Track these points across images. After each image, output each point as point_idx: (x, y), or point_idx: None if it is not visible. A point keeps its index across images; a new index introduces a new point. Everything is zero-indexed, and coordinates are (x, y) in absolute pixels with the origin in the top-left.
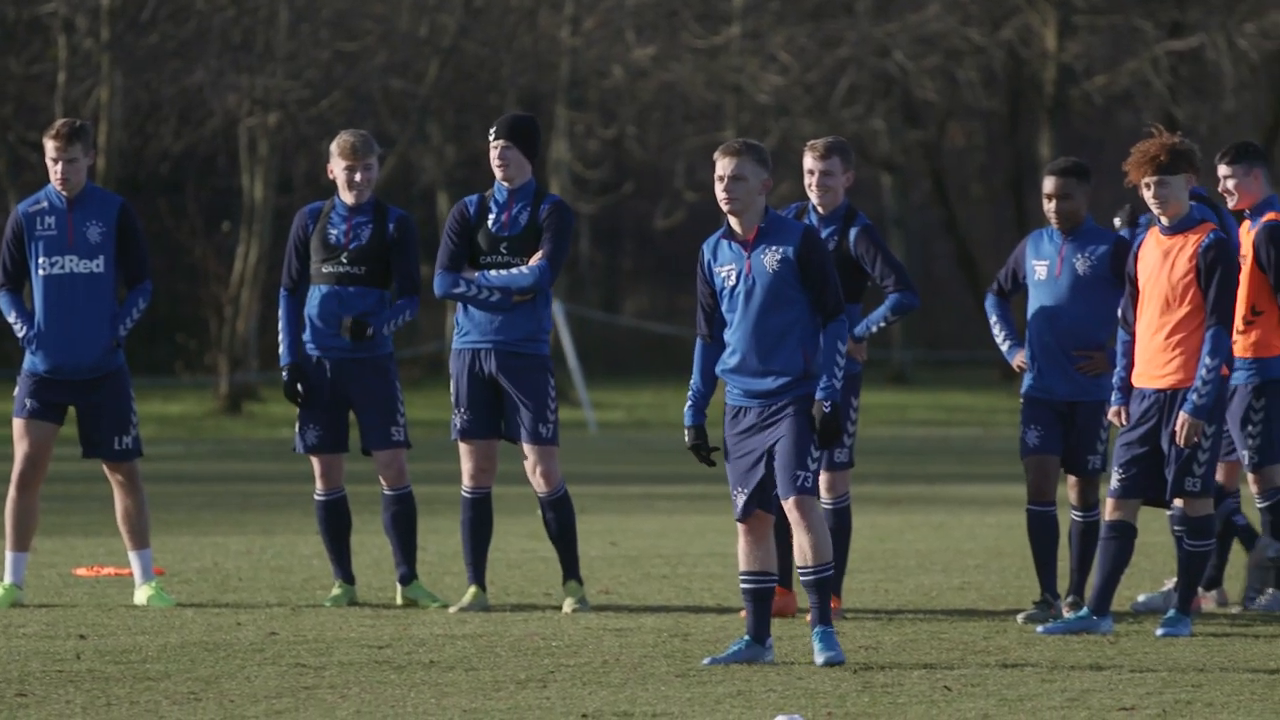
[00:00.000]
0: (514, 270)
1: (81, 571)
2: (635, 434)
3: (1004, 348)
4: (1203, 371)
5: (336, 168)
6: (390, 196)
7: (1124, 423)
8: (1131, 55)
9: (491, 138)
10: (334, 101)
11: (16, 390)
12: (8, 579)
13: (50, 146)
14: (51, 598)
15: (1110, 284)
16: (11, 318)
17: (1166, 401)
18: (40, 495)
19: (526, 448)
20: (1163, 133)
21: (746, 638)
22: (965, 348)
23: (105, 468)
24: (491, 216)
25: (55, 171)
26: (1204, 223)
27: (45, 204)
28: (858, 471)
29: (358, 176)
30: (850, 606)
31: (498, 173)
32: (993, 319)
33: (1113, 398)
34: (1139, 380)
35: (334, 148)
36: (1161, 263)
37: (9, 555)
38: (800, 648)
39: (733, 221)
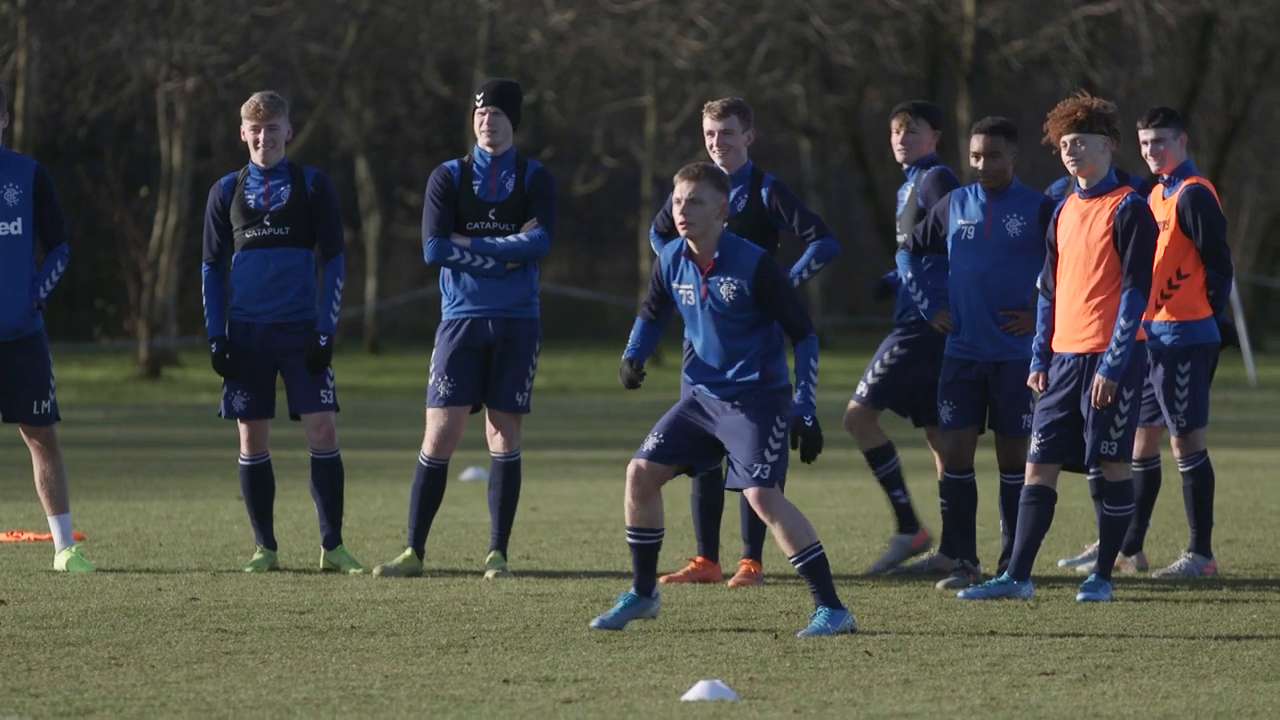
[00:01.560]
0: (513, 238)
1: (1, 536)
2: (556, 399)
3: (923, 307)
4: (1117, 333)
5: (245, 128)
6: (309, 161)
7: (1042, 389)
8: (1049, 20)
9: (479, 104)
10: (252, 66)
11: None
12: None
13: None
14: None
15: (1039, 245)
16: None
17: (1085, 366)
18: None
19: (498, 414)
20: (1087, 94)
21: (632, 592)
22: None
23: (23, 432)
24: (477, 183)
25: None
26: (1122, 187)
27: None
28: None
29: (262, 136)
30: (771, 571)
31: (483, 139)
32: (908, 277)
33: (1032, 363)
34: (1058, 345)
35: (243, 109)
36: (1079, 226)
37: None
38: (721, 613)
39: (690, 244)
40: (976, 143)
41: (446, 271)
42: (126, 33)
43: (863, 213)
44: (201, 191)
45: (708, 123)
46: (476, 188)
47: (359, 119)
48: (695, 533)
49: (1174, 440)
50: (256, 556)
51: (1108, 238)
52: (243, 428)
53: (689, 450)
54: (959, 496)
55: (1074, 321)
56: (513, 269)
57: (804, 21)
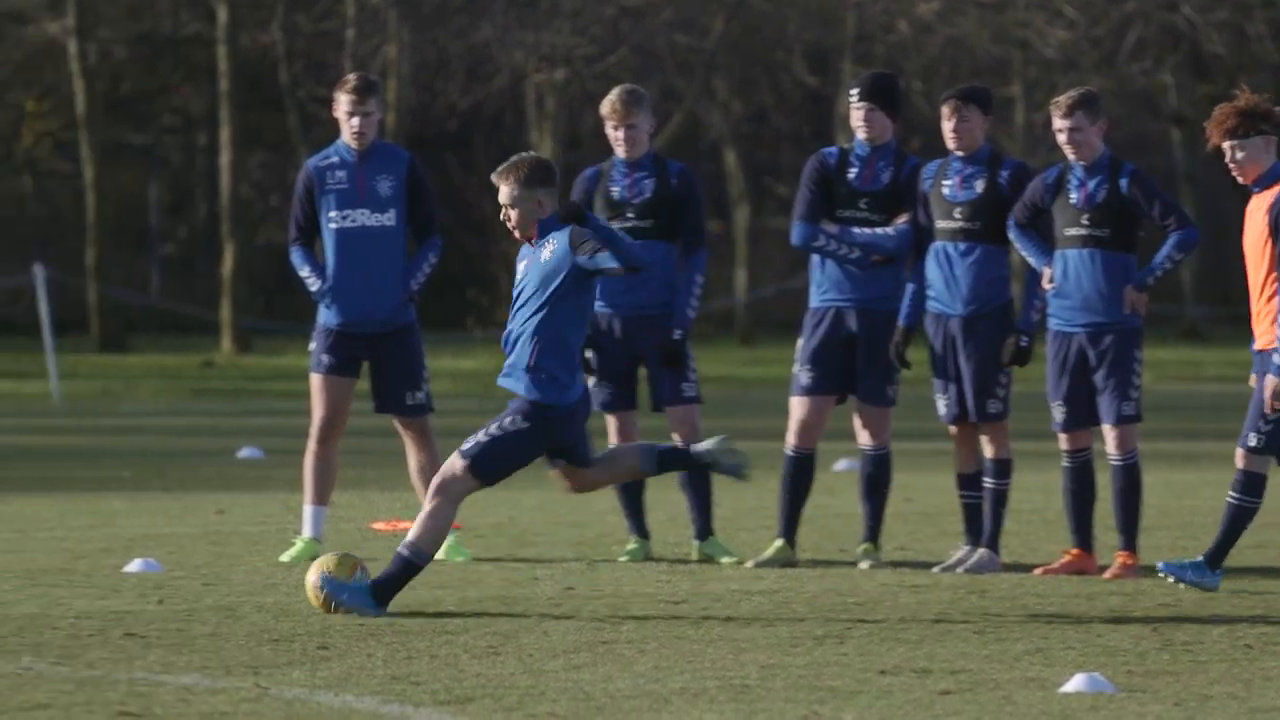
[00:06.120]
0: (878, 231)
1: (379, 526)
2: (924, 390)
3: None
4: (1278, 329)
5: (606, 125)
6: (677, 152)
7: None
8: None
9: (854, 98)
10: (620, 58)
11: (313, 346)
12: (307, 533)
13: (345, 100)
14: (349, 551)
15: None
16: (305, 272)
17: (1264, 362)
18: (338, 450)
19: (866, 407)
20: (1244, 94)
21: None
22: None
23: (397, 423)
24: (853, 171)
25: (351, 125)
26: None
27: (336, 159)
28: (1150, 427)
29: (622, 134)
30: (1149, 562)
31: (860, 133)
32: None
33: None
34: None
35: (602, 108)
36: (1247, 222)
37: (308, 510)
38: (1098, 605)
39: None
40: None
41: (816, 259)
42: (495, 24)
43: (1235, 202)
44: (570, 181)
45: (1055, 120)
46: (851, 176)
47: (727, 109)
48: (1069, 525)
49: None
50: (631, 546)
51: (1265, 233)
52: (609, 419)
53: None
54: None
55: (1256, 319)
56: (878, 261)
57: (1174, 10)
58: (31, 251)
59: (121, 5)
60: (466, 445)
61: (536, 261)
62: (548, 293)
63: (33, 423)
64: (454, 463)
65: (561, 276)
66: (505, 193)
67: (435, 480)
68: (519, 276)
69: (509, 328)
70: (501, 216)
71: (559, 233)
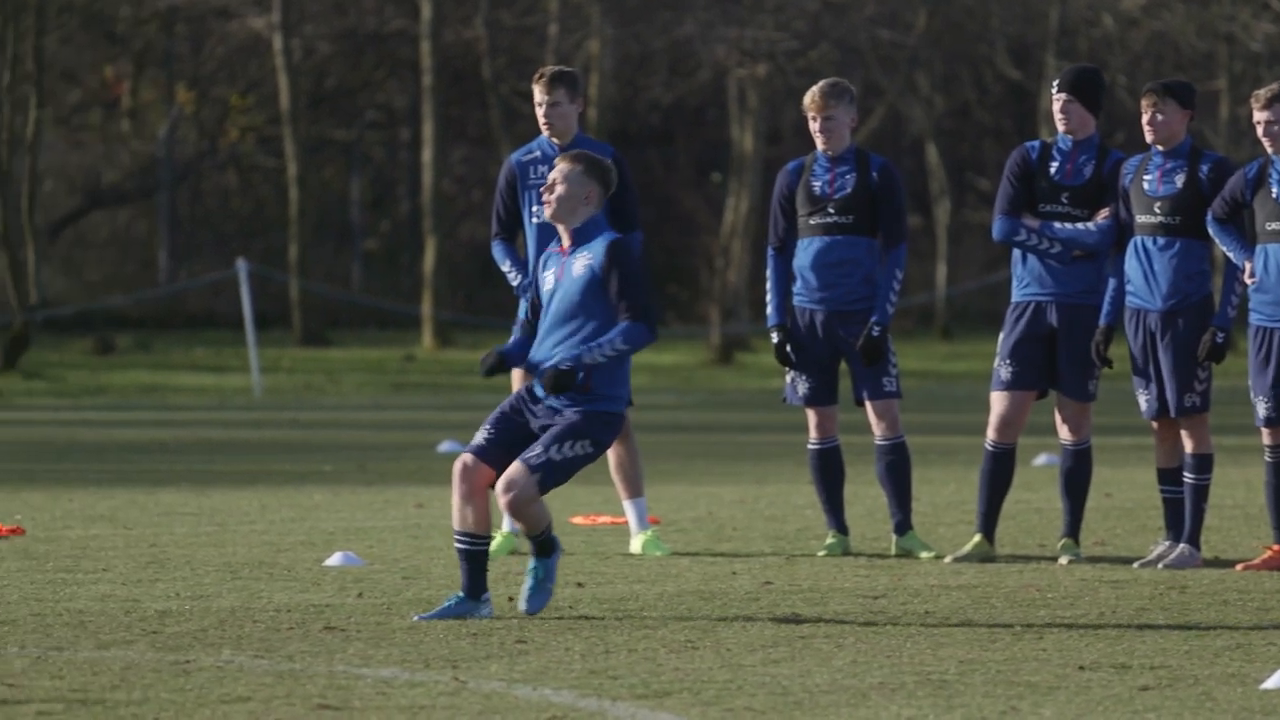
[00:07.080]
0: (1080, 226)
1: (578, 520)
2: (1124, 385)
3: None
4: None
5: (808, 118)
6: (879, 147)
7: None
8: None
9: (1054, 90)
10: (823, 53)
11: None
12: (506, 527)
13: (536, 91)
14: None
15: None
16: (506, 267)
17: None
18: None
19: (1067, 402)
20: None
21: (460, 594)
22: None
23: None
24: (1054, 165)
25: (540, 116)
26: None
27: (538, 153)
28: None
29: (818, 125)
30: None
31: (1060, 126)
32: None
33: None
34: None
35: (804, 99)
36: None
37: None
38: None
39: (557, 228)
40: None
41: (1017, 253)
42: (698, 19)
43: None
44: (772, 177)
45: (1255, 113)
46: (1053, 169)
47: (929, 104)
48: (1271, 520)
49: None
50: (829, 541)
51: None
52: (809, 413)
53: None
54: None
55: None
56: (1079, 256)
57: None
58: (235, 246)
59: (326, 1)
60: (534, 459)
61: (569, 274)
62: (587, 308)
63: (235, 416)
64: (521, 471)
65: (598, 288)
66: (563, 170)
67: (507, 499)
68: (545, 288)
69: (538, 350)
70: (543, 188)
71: (598, 242)
